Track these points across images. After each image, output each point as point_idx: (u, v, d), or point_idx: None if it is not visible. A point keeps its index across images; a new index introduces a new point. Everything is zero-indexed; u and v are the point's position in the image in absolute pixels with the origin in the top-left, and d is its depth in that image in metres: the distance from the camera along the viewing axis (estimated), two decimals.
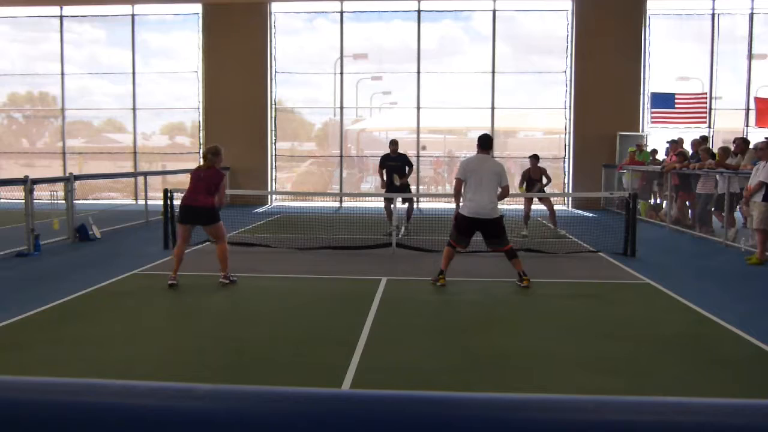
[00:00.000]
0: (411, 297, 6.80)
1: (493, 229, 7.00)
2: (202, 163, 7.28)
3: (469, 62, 18.87)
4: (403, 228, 11.22)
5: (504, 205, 7.57)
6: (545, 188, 11.75)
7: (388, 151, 11.55)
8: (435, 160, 19.89)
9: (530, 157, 11.82)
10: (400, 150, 11.64)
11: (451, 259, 7.18)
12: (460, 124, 20.21)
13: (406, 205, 11.58)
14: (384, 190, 11.37)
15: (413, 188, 16.47)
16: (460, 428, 0.89)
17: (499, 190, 7.04)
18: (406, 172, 11.41)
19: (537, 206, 12.12)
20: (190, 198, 7.13)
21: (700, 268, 8.60)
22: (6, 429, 0.90)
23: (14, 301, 6.32)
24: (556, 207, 17.22)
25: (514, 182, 13.29)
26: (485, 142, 7.19)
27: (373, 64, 19.17)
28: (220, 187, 7.05)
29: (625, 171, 15.51)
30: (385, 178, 11.45)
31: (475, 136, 21.71)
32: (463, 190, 7.07)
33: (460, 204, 7.10)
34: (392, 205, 10.77)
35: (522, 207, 12.10)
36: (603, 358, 4.79)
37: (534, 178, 11.59)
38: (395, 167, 11.36)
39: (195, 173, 7.28)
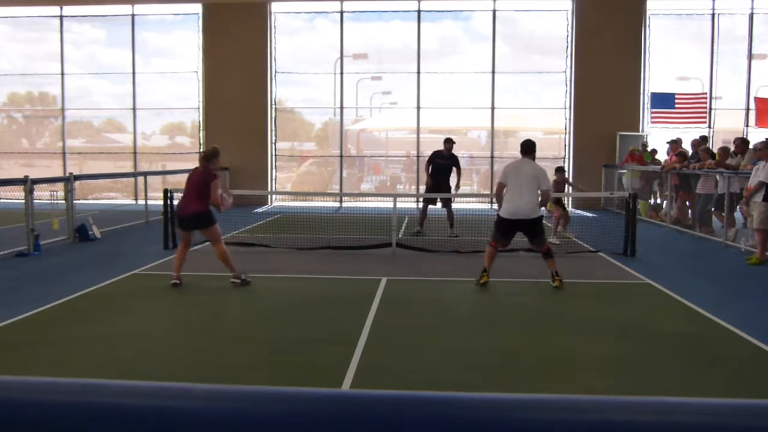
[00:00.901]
0: (411, 297, 6.79)
1: (532, 228, 7.17)
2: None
3: (469, 62, 18.87)
4: (451, 231, 11.00)
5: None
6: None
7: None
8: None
9: (556, 169, 11.67)
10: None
11: (493, 258, 7.28)
12: (460, 124, 20.20)
13: (445, 208, 11.29)
14: (426, 189, 11.22)
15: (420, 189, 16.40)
16: (460, 428, 0.89)
17: (539, 193, 7.16)
18: (452, 174, 11.18)
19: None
20: (181, 206, 7.17)
21: (700, 268, 8.60)
22: (6, 429, 0.90)
23: (14, 301, 6.31)
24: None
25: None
26: (525, 147, 7.35)
27: (373, 64, 19.17)
28: (210, 187, 6.94)
29: (625, 171, 15.51)
30: (431, 175, 11.14)
31: (475, 136, 21.64)
32: (504, 192, 7.27)
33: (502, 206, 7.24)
34: (428, 208, 10.78)
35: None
36: (603, 358, 4.79)
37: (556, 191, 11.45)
38: (445, 167, 11.10)
39: (188, 177, 7.23)
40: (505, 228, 7.21)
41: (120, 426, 0.91)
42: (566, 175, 11.92)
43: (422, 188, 18.66)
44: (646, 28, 17.48)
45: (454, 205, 11.51)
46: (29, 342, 5.09)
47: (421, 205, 11.55)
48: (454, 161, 11.22)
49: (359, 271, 8.07)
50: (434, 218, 11.57)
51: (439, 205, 11.48)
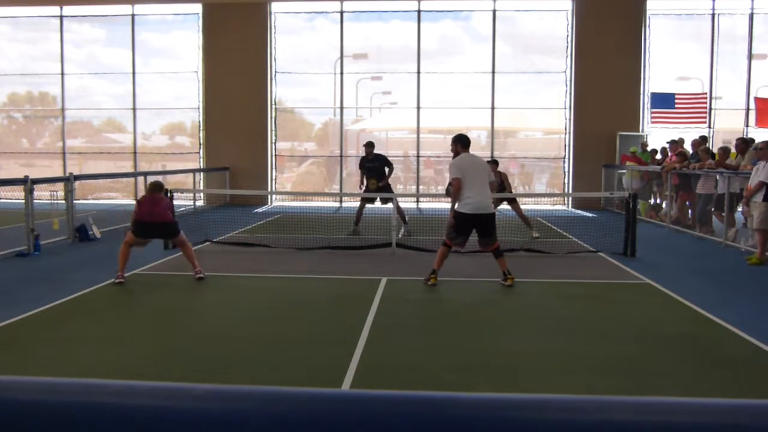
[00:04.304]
0: (411, 297, 6.79)
1: (490, 225, 7.15)
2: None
3: (469, 62, 18.87)
4: (402, 229, 11.11)
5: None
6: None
7: (365, 153, 11.44)
8: (426, 160, 19.79)
9: (489, 161, 11.33)
10: (377, 151, 11.59)
11: (445, 259, 7.27)
12: (460, 124, 20.17)
13: (391, 205, 11.33)
14: (362, 190, 11.38)
15: (413, 189, 16.41)
16: (461, 428, 0.89)
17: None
18: (386, 173, 11.30)
19: (502, 207, 11.54)
20: (148, 215, 7.54)
21: (700, 268, 8.59)
22: (6, 429, 0.90)
23: (14, 301, 6.31)
24: (555, 207, 17.16)
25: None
26: (466, 141, 7.33)
27: (373, 64, 19.17)
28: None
29: (625, 170, 15.51)
30: (364, 180, 11.40)
31: (475, 136, 21.60)
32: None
33: (457, 203, 7.12)
34: (365, 207, 10.96)
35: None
36: (603, 358, 4.79)
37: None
38: (372, 168, 11.30)
39: (153, 199, 7.64)
40: (466, 225, 7.12)
41: (120, 426, 0.91)
42: (497, 167, 11.28)
43: (422, 188, 18.75)
44: (646, 28, 17.47)
45: (433, 204, 11.66)
46: (29, 342, 5.09)
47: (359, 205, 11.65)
48: (382, 161, 11.39)
49: (359, 271, 8.07)
50: (434, 218, 11.56)
51: (378, 203, 11.64)
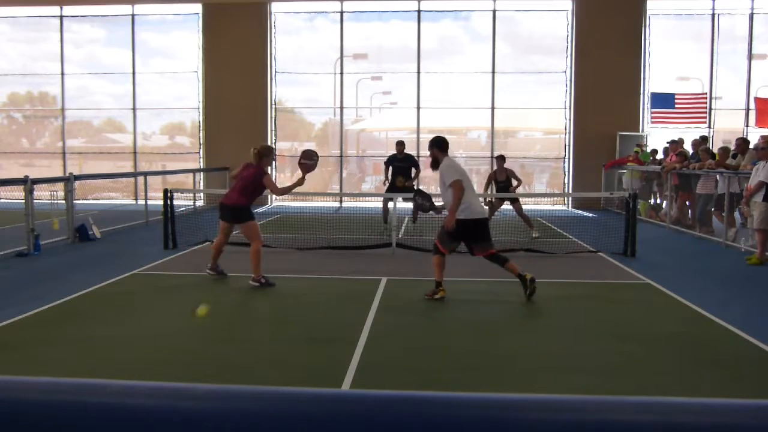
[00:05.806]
0: (411, 297, 6.79)
1: (485, 229, 6.62)
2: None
3: (469, 62, 18.87)
4: (411, 225, 11.23)
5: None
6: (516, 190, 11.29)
7: (396, 151, 11.51)
8: (426, 160, 19.73)
9: (496, 157, 11.62)
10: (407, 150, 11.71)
11: (443, 268, 6.58)
12: (460, 124, 20.20)
13: (411, 204, 11.58)
14: (385, 189, 11.39)
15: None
16: (461, 428, 0.89)
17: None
18: (412, 174, 11.40)
19: (506, 206, 11.55)
20: (225, 196, 7.46)
21: (700, 268, 8.59)
22: (6, 429, 0.90)
23: (14, 301, 6.31)
24: (555, 207, 17.15)
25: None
26: (447, 145, 6.70)
27: (373, 64, 19.18)
28: (264, 183, 7.18)
29: (625, 170, 15.52)
30: (389, 177, 11.43)
31: (475, 136, 21.47)
32: None
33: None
34: (390, 205, 10.84)
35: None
36: (603, 358, 4.79)
37: (499, 179, 11.14)
38: (401, 168, 11.38)
39: (240, 172, 7.39)
40: (460, 231, 6.45)
41: (120, 426, 0.91)
42: (505, 163, 11.33)
43: (422, 187, 18.72)
44: (646, 28, 17.47)
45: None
46: (29, 342, 5.08)
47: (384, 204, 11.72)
48: (412, 162, 11.53)
49: (359, 271, 8.07)
50: (434, 218, 11.55)
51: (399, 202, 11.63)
